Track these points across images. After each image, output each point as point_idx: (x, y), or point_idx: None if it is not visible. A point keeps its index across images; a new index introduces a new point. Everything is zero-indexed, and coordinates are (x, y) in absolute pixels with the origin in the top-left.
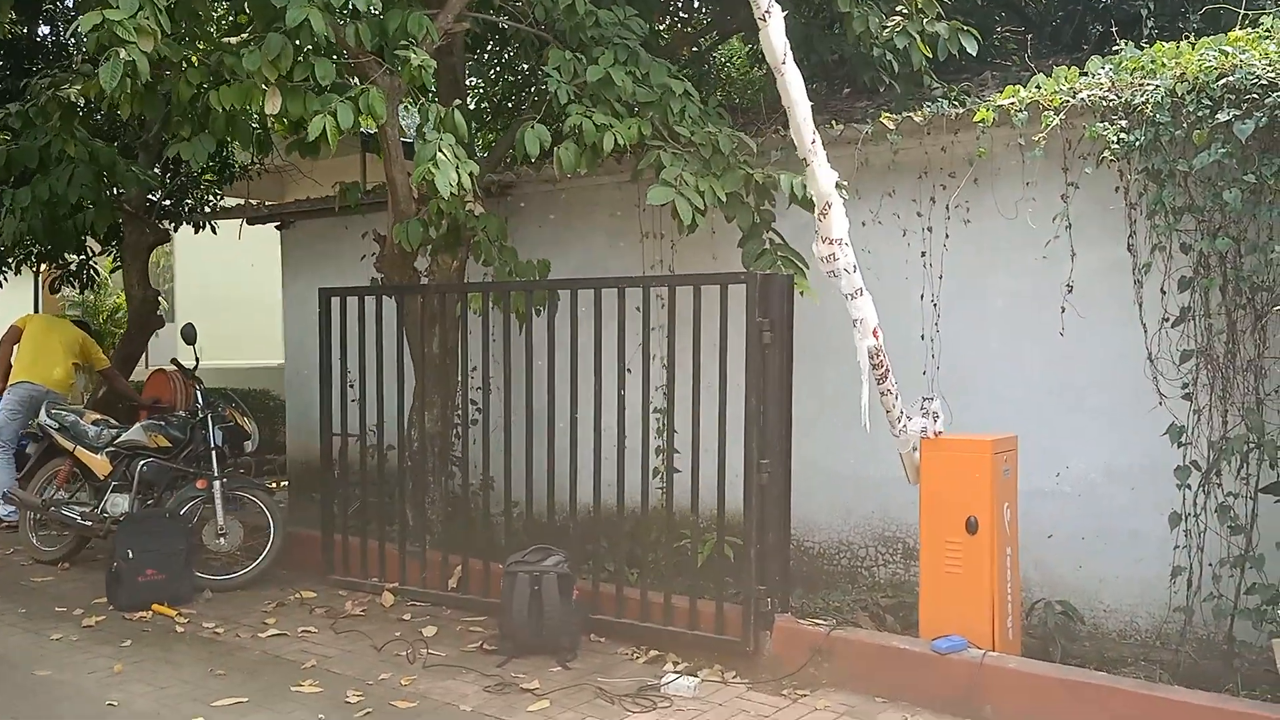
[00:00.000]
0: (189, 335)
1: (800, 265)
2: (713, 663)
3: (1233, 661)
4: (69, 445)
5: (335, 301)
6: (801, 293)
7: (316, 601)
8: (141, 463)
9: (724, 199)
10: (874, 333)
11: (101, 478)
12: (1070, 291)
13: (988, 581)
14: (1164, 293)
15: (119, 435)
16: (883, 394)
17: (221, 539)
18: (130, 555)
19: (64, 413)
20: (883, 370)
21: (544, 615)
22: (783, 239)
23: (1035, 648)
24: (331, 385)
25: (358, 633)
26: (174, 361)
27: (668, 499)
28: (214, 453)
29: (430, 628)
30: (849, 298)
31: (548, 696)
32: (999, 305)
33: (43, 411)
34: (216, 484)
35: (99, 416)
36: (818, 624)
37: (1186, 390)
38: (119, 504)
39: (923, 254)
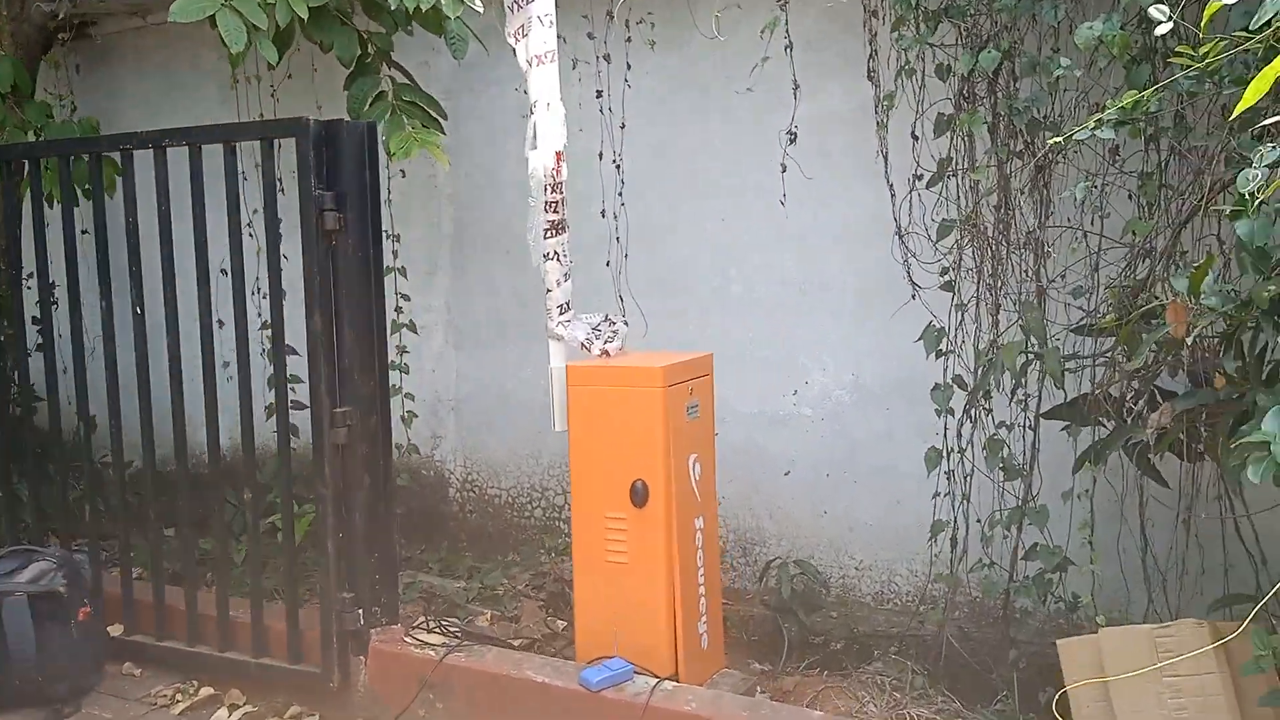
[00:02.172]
0: None
1: (435, 115)
2: (290, 703)
3: (1009, 653)
4: None
5: None
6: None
7: None
8: None
9: (305, 16)
10: (556, 155)
11: None
12: (793, 142)
13: (664, 573)
14: (916, 139)
15: None
16: (546, 256)
17: None
18: None
19: None
20: (556, 220)
21: (10, 655)
22: (410, 78)
23: (767, 624)
24: None
25: None
26: None
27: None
28: None
29: None
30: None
31: None
32: (703, 165)
33: None
34: None
35: None
36: (427, 644)
37: (947, 277)
38: None
39: (598, 94)
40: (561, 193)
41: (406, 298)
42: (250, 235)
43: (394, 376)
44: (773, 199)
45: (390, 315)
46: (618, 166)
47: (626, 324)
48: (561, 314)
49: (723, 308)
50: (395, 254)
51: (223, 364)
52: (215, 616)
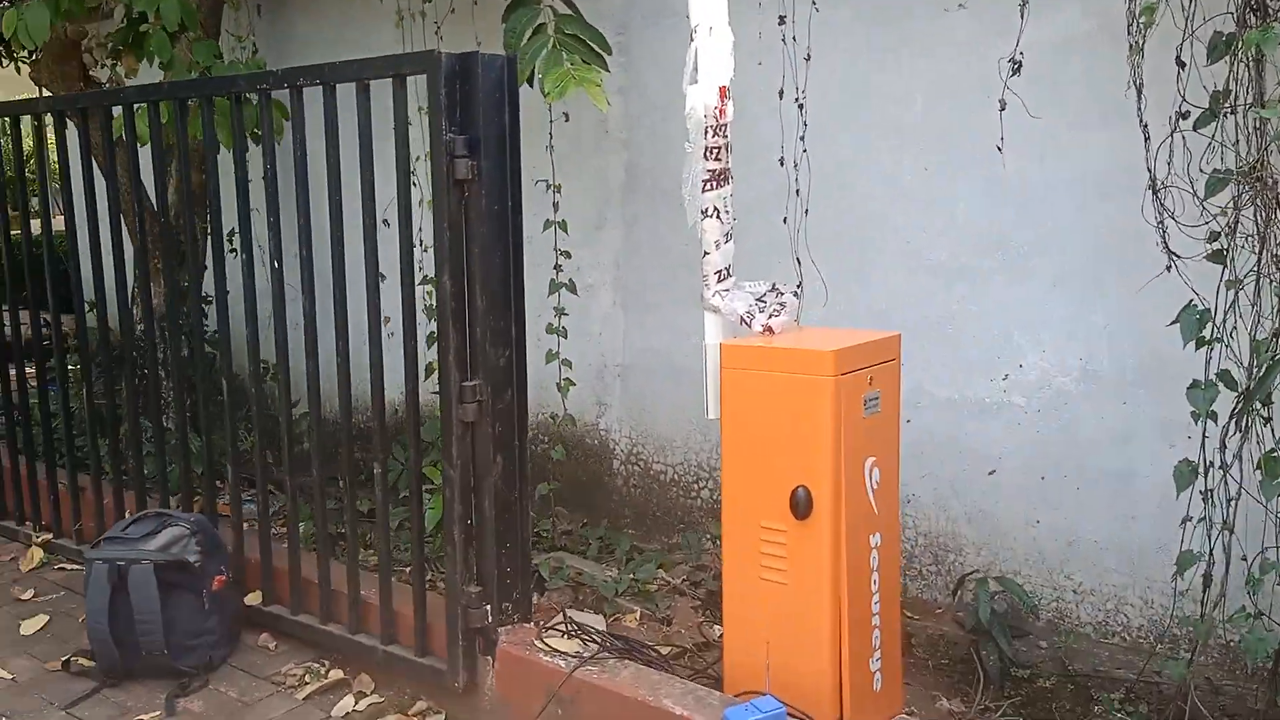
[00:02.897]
0: None
1: (598, 51)
2: (418, 697)
3: None
4: None
5: None
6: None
7: None
8: None
9: None
10: (720, 91)
11: None
12: (1016, 73)
13: (829, 599)
14: (1182, 66)
15: None
16: (704, 212)
17: None
18: None
19: None
20: (718, 169)
21: (136, 626)
22: (575, 9)
23: (960, 648)
24: None
25: None
26: None
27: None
28: None
29: (39, 617)
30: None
31: None
32: (903, 103)
33: None
34: None
35: None
36: (558, 650)
37: (1216, 245)
38: None
39: (780, 20)
40: (725, 137)
41: (567, 254)
42: (416, 185)
43: (550, 341)
44: (987, 143)
45: (550, 274)
46: (800, 106)
47: (797, 296)
48: (720, 281)
49: (921, 273)
50: (555, 206)
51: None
52: (347, 594)
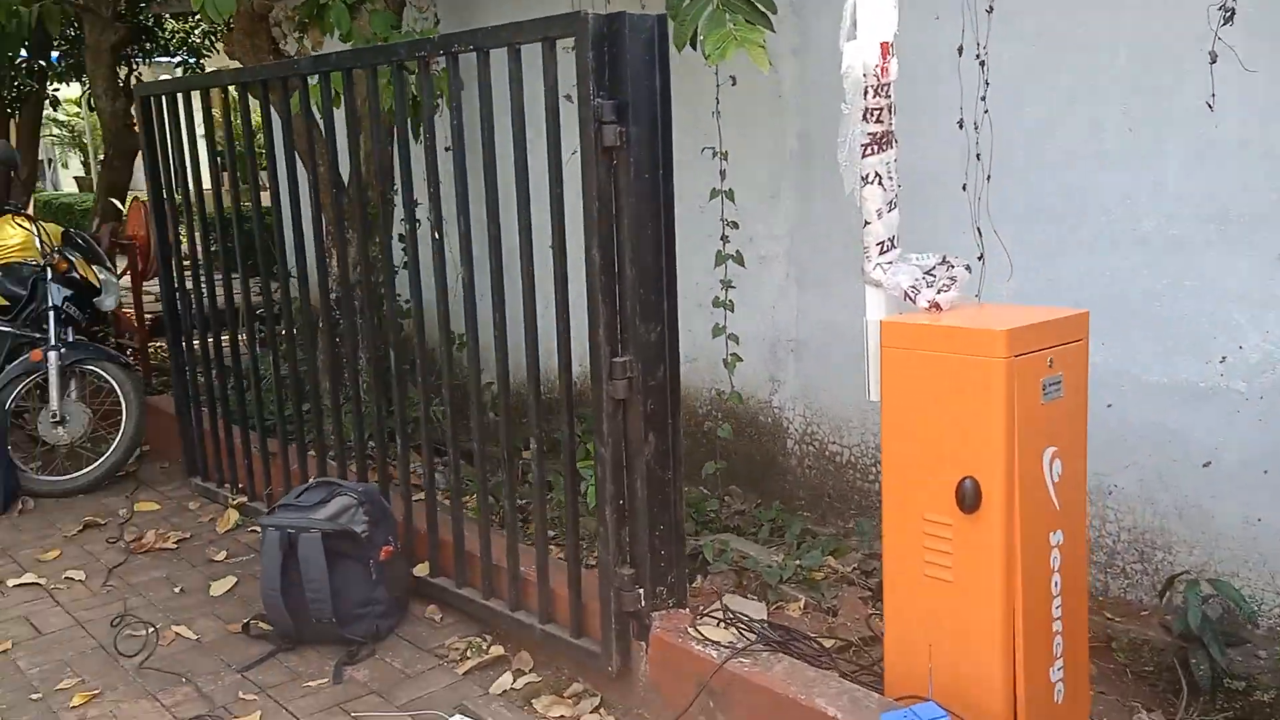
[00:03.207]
0: (6, 154)
1: (762, 9)
2: (574, 679)
3: None
4: None
5: (154, 104)
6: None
7: (152, 516)
8: None
9: None
10: (882, 48)
11: None
12: (1228, 22)
13: (1000, 601)
14: None
15: None
16: (865, 178)
17: (59, 429)
18: None
19: None
20: (880, 132)
21: (306, 593)
22: None
23: (1166, 654)
24: (166, 221)
25: (130, 584)
26: None
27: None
28: (53, 314)
29: (228, 579)
30: None
31: None
32: (1099, 57)
33: None
34: (52, 355)
35: None
36: (711, 640)
37: None
38: None
39: None
40: (888, 97)
41: (734, 225)
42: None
43: (718, 315)
44: (1196, 100)
45: (716, 246)
46: (982, 63)
47: (969, 269)
48: (883, 253)
49: (1125, 246)
50: (723, 174)
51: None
52: (507, 569)
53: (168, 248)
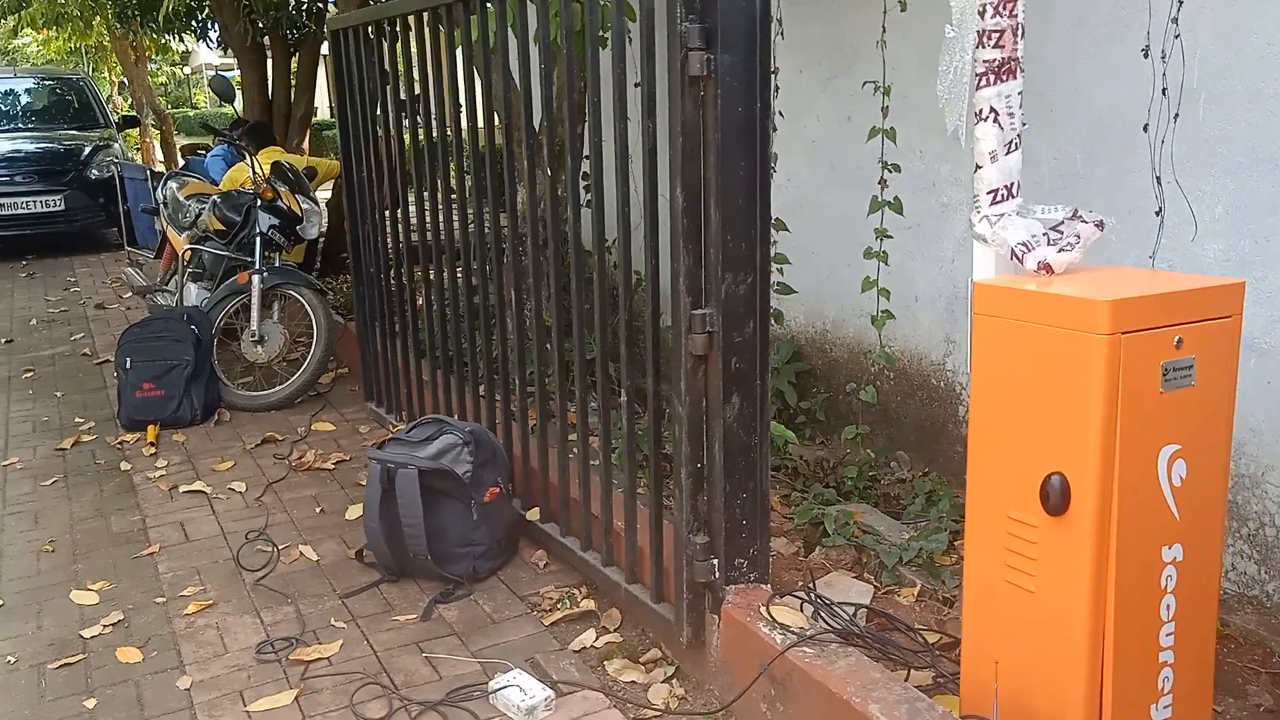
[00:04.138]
0: (222, 89)
1: None
2: (653, 645)
3: None
4: (165, 225)
5: (343, 38)
6: None
7: (325, 437)
8: (203, 249)
9: None
10: None
11: (186, 261)
12: None
13: (1087, 620)
14: None
15: (201, 214)
16: (979, 114)
17: (258, 347)
18: (129, 366)
19: (174, 183)
20: (998, 60)
21: (403, 529)
22: None
23: None
24: (353, 143)
25: (281, 500)
26: (203, 125)
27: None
28: (259, 240)
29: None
30: None
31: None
32: None
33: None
34: (255, 278)
35: (204, 190)
36: (779, 624)
37: None
38: (192, 294)
39: None
40: (1013, 16)
41: (895, 169)
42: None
43: (869, 267)
44: None
45: (874, 190)
46: None
47: (1102, 226)
48: (995, 203)
49: None
50: (884, 112)
51: None
52: (601, 521)
53: (352, 181)
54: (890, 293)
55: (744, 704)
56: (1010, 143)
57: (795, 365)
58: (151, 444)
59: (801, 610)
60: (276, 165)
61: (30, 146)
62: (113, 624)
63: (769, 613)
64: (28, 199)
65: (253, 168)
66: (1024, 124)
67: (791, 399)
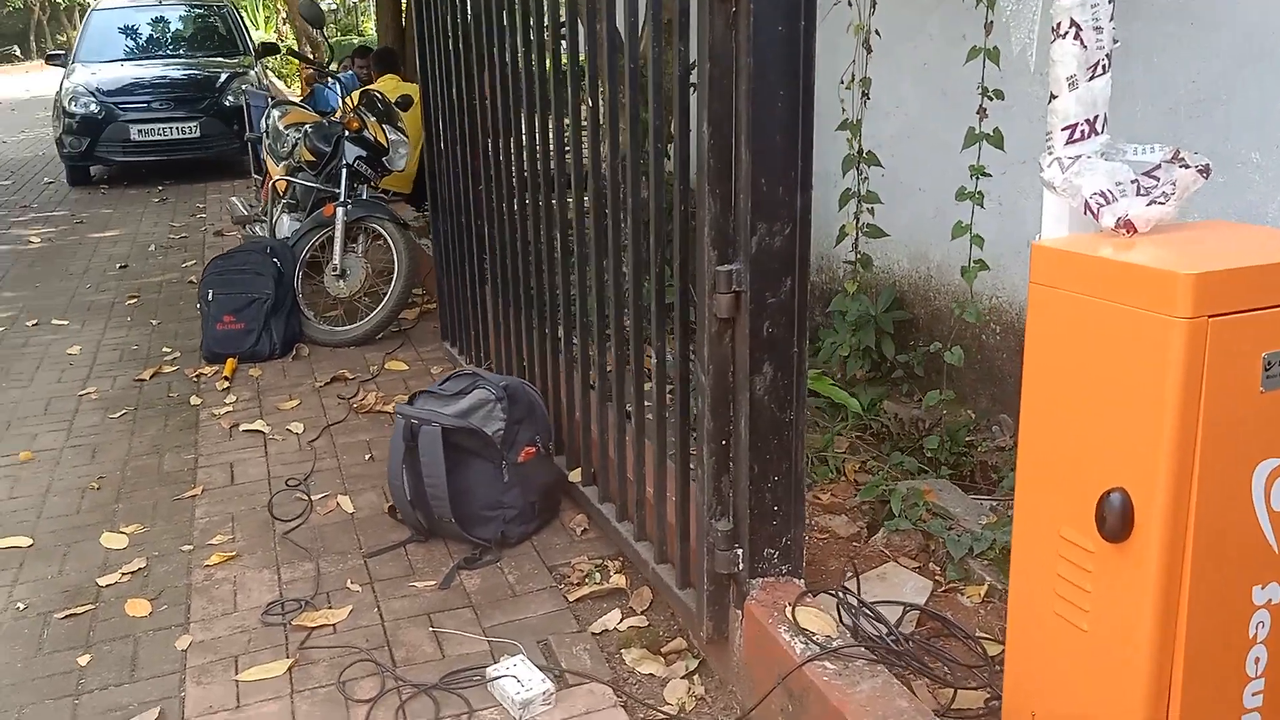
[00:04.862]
0: (310, 14)
1: None
2: (676, 636)
3: None
4: (265, 154)
5: None
6: None
7: (396, 377)
8: (295, 180)
9: None
10: None
11: (280, 192)
12: None
13: (1149, 668)
14: None
15: (297, 144)
16: (1056, 29)
17: (340, 281)
18: (210, 298)
19: (276, 112)
20: None
21: (425, 488)
22: None
23: None
24: (429, 66)
25: (335, 444)
26: (290, 52)
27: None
28: (345, 171)
29: None
30: None
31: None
32: None
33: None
34: (339, 211)
35: (305, 119)
36: (802, 630)
37: None
38: (284, 226)
39: None
40: None
41: (997, 95)
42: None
43: (963, 210)
44: None
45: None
46: None
47: (1207, 172)
48: (1072, 141)
49: None
50: (988, 28)
51: None
52: (635, 490)
53: (429, 110)
54: (984, 240)
55: (761, 714)
56: (1097, 64)
57: (894, 314)
58: (226, 378)
59: (837, 612)
60: (366, 94)
61: (171, 73)
62: (132, 571)
63: (793, 615)
64: (165, 125)
65: (343, 98)
66: (1115, 41)
67: (889, 350)
